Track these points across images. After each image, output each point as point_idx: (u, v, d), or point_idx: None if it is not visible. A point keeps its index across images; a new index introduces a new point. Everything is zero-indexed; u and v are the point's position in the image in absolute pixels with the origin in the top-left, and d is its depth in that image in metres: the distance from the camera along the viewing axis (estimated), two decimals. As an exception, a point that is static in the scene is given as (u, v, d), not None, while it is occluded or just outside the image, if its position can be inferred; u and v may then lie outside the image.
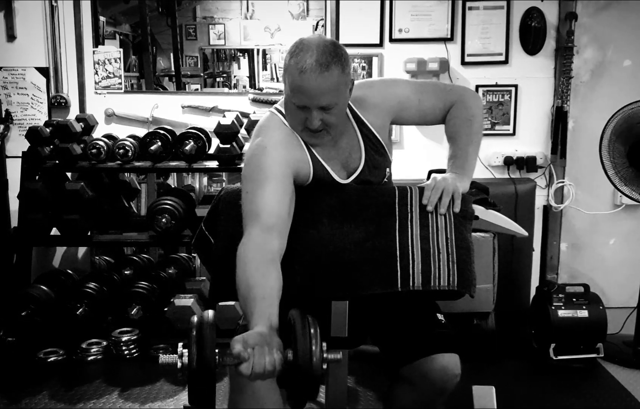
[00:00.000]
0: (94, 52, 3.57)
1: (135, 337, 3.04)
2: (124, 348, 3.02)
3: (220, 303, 2.43)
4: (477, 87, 3.54)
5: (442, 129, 1.84)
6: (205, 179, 4.07)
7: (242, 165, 1.72)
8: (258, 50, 5.60)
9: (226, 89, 5.65)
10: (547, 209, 3.70)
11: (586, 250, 3.75)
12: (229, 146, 3.11)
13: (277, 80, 5.40)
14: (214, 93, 4.96)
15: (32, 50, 3.51)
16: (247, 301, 1.40)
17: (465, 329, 2.80)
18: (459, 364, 1.61)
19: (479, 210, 1.78)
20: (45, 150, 3.21)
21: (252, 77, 5.72)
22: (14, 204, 3.33)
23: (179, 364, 1.23)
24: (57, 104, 3.54)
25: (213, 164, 3.20)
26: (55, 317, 3.07)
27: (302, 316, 1.30)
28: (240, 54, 5.91)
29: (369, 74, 3.54)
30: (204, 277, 3.39)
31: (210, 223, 1.86)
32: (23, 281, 3.23)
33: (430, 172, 1.90)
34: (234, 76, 5.95)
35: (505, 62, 3.57)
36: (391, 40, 3.55)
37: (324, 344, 1.27)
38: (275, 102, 1.84)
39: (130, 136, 3.23)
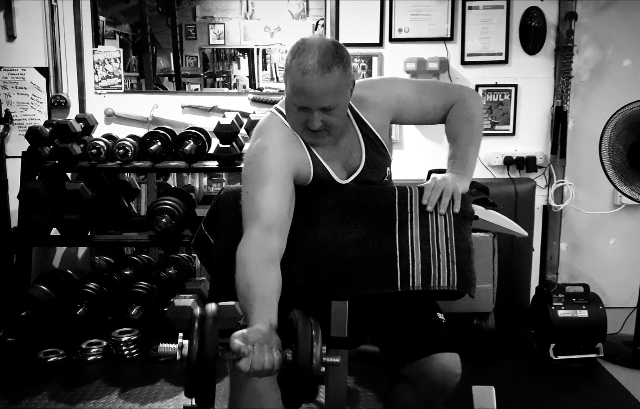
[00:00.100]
0: (93, 52, 3.57)
1: (135, 337, 3.04)
2: (124, 348, 3.02)
3: (220, 303, 2.43)
4: (477, 86, 3.54)
5: (442, 129, 1.84)
6: (205, 179, 4.07)
7: (242, 165, 1.72)
8: (258, 50, 5.60)
9: (226, 89, 5.65)
10: (547, 209, 3.70)
11: (586, 250, 3.75)
12: (228, 146, 3.11)
13: (277, 80, 5.40)
14: (214, 93, 4.96)
15: (32, 50, 3.51)
16: (247, 300, 1.40)
17: (465, 329, 2.80)
18: (459, 363, 1.61)
19: (478, 210, 1.78)
20: (45, 150, 3.21)
21: (252, 77, 5.72)
22: (14, 204, 3.34)
23: (178, 356, 1.22)
24: (56, 104, 3.54)
25: (213, 164, 3.20)
26: (55, 317, 3.07)
27: (305, 317, 1.30)
28: (240, 54, 5.91)
29: (369, 74, 3.54)
30: (204, 278, 3.39)
31: (210, 223, 1.86)
32: (23, 281, 3.23)
33: (430, 172, 1.90)
34: (234, 76, 5.95)
35: (505, 61, 3.57)
36: (391, 40, 3.55)
37: (324, 347, 1.27)
38: (275, 102, 1.85)
39: (130, 136, 3.23)
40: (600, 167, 3.07)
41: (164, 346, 1.24)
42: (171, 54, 5.08)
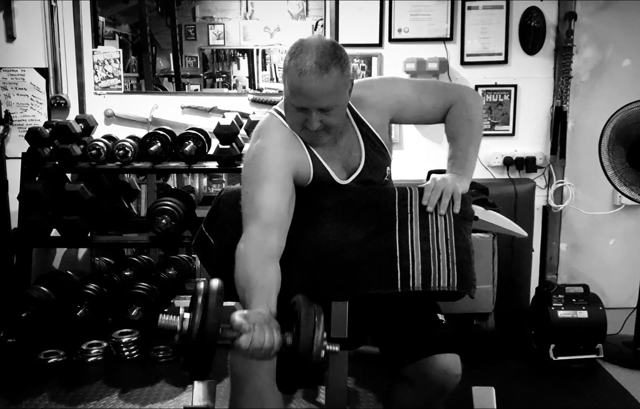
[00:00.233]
0: (93, 52, 3.57)
1: (135, 338, 3.04)
2: (124, 349, 3.02)
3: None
4: (477, 87, 3.54)
5: (442, 129, 1.84)
6: (205, 180, 4.08)
7: (241, 166, 1.72)
8: (257, 50, 5.60)
9: (226, 90, 5.66)
10: (546, 209, 3.70)
11: (586, 250, 3.75)
12: (228, 146, 3.11)
13: (277, 81, 5.40)
14: (214, 93, 4.96)
15: (32, 50, 3.51)
16: (246, 291, 1.40)
17: (465, 330, 2.80)
18: (459, 364, 1.61)
19: (478, 210, 1.78)
20: (45, 151, 3.21)
21: (251, 77, 5.73)
22: (14, 206, 3.33)
23: (179, 327, 1.21)
24: (56, 104, 3.54)
25: (213, 164, 3.20)
26: (55, 318, 3.07)
27: (308, 301, 1.30)
28: (240, 54, 5.91)
29: (369, 74, 3.53)
30: (204, 279, 3.38)
31: (210, 224, 1.86)
32: (23, 282, 3.23)
33: (429, 173, 1.90)
34: (234, 76, 5.96)
35: (505, 62, 3.57)
36: (390, 40, 3.55)
37: (325, 334, 1.27)
38: (274, 102, 1.85)
39: (129, 137, 3.23)
40: (599, 168, 3.07)
41: (165, 318, 1.23)
42: (171, 55, 5.09)
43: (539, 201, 3.64)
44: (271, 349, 1.26)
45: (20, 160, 3.25)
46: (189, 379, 1.29)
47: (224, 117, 3.28)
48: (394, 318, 1.71)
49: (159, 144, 3.15)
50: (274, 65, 5.58)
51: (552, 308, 2.96)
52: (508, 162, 3.61)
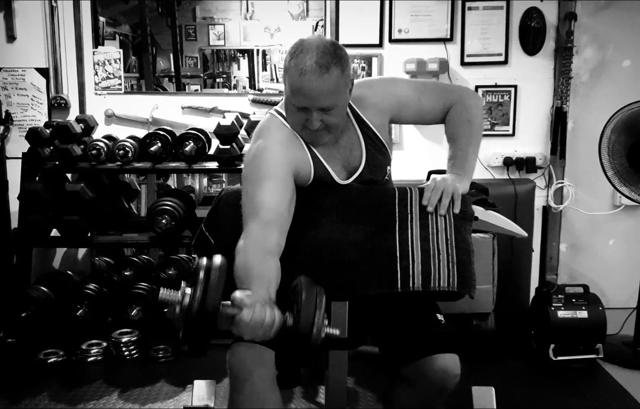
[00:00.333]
0: (93, 52, 3.57)
1: (135, 338, 3.04)
2: (124, 349, 3.02)
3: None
4: (477, 87, 3.54)
5: (442, 129, 1.84)
6: (205, 180, 4.08)
7: (242, 166, 1.72)
8: (258, 50, 5.59)
9: (226, 90, 5.65)
10: (546, 209, 3.70)
11: (586, 251, 3.76)
12: (228, 146, 3.11)
13: (277, 81, 5.39)
14: (214, 94, 4.95)
15: (32, 51, 3.51)
16: (245, 282, 1.40)
17: (465, 330, 2.81)
18: (458, 364, 1.61)
19: (478, 211, 1.78)
20: (45, 151, 3.21)
21: (251, 77, 5.72)
22: (14, 205, 3.34)
23: (180, 299, 1.21)
24: (57, 105, 3.54)
25: (213, 165, 3.20)
26: (55, 318, 3.07)
27: (310, 283, 1.30)
28: (240, 55, 5.90)
29: (369, 75, 3.53)
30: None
31: (210, 224, 1.86)
32: (23, 282, 3.23)
33: (429, 173, 1.91)
34: (234, 77, 5.95)
35: (505, 62, 3.57)
36: (391, 40, 3.55)
37: (326, 315, 1.27)
38: (275, 103, 1.85)
39: (130, 137, 3.23)
40: (599, 168, 3.07)
41: (166, 292, 1.23)
42: (171, 55, 5.08)
43: (539, 201, 3.64)
44: (272, 326, 1.27)
45: (20, 160, 3.25)
46: (188, 353, 1.29)
47: (224, 117, 3.29)
48: (394, 318, 1.71)
49: (159, 144, 3.15)
50: (274, 65, 5.57)
51: (552, 308, 2.96)
52: (508, 162, 3.61)
